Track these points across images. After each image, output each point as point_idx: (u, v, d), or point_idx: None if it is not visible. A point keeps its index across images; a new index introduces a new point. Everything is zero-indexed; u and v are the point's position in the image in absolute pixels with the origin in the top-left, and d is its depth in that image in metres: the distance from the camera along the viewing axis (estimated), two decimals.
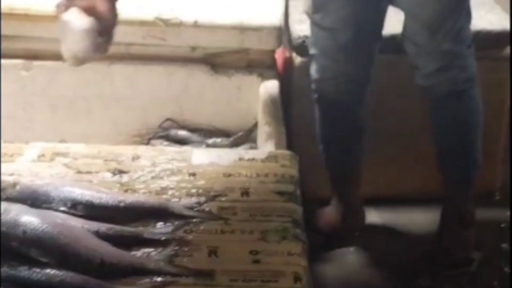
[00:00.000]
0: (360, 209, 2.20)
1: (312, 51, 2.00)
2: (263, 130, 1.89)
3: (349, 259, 2.16)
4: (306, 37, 2.20)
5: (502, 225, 2.26)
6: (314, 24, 1.97)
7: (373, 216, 2.29)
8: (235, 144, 2.07)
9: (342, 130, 2.06)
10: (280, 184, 1.49)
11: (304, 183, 2.26)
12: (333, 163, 2.12)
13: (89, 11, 1.33)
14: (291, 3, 2.35)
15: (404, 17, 1.91)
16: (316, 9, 1.93)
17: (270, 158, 1.59)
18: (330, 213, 2.22)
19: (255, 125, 2.09)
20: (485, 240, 2.18)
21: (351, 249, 2.19)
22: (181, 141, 2.10)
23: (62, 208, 1.35)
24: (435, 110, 1.99)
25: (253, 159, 1.57)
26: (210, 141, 2.09)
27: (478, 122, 2.01)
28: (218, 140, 2.09)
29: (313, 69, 2.01)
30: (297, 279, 1.25)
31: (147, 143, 2.11)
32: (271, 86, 2.09)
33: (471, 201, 2.07)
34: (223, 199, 1.43)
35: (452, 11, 1.88)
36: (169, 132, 2.15)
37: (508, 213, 2.31)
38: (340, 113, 2.04)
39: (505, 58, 2.23)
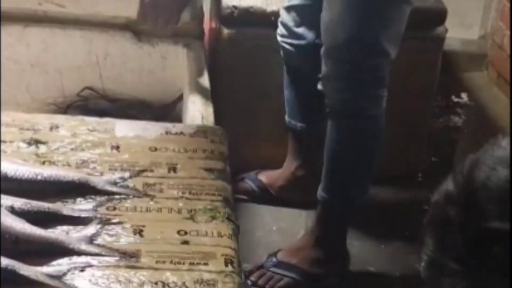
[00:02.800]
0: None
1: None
2: (189, 103, 1.80)
3: None
4: (235, 7, 2.13)
5: (425, 207, 2.25)
6: None
7: None
8: (158, 117, 1.97)
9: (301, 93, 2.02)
10: (209, 160, 1.42)
11: (230, 158, 2.25)
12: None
13: None
14: None
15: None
16: None
17: (199, 133, 1.51)
18: (280, 174, 2.18)
19: (180, 98, 2.00)
20: (408, 221, 2.17)
21: None
22: (101, 112, 1.99)
23: None
24: (329, 125, 1.84)
25: (181, 133, 1.49)
26: (132, 112, 1.98)
27: (371, 148, 1.85)
28: (140, 111, 1.99)
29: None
30: (228, 262, 1.18)
31: (64, 112, 1.99)
32: (197, 57, 2.00)
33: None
34: (149, 174, 1.35)
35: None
36: (88, 102, 2.03)
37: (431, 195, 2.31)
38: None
39: (434, 38, 2.20)
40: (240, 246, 2.07)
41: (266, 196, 2.20)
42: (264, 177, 2.22)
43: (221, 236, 1.23)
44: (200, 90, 1.86)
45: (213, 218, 1.27)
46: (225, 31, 2.16)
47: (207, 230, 1.24)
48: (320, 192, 1.85)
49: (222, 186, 1.35)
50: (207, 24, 2.18)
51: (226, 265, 1.17)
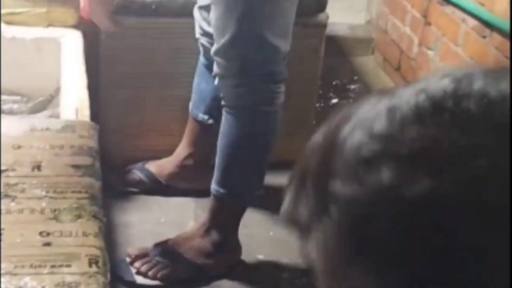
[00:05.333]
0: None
1: None
2: (64, 97, 1.75)
3: None
4: None
5: None
6: None
7: None
8: (34, 111, 1.90)
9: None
10: (77, 156, 1.37)
11: (114, 149, 2.20)
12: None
13: None
14: None
15: None
16: None
17: (67, 128, 1.46)
18: (169, 162, 2.15)
19: (58, 90, 1.94)
20: None
21: None
22: None
23: None
24: (223, 120, 1.83)
25: (47, 129, 1.43)
26: (6, 107, 1.90)
27: (264, 144, 1.83)
28: (15, 106, 1.92)
29: None
30: (92, 262, 1.14)
31: None
32: (74, 48, 1.94)
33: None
34: (11, 174, 1.29)
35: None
36: None
37: None
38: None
39: (316, 24, 2.21)
40: (128, 238, 2.06)
41: (155, 186, 2.16)
42: (152, 166, 2.19)
43: (86, 236, 1.19)
44: (76, 83, 1.81)
45: (79, 217, 1.23)
46: None
47: (72, 230, 1.20)
48: (213, 185, 1.84)
49: (89, 183, 1.31)
50: (85, 13, 2.11)
51: (91, 265, 1.14)
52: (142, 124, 2.24)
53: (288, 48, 1.78)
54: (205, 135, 2.02)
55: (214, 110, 1.98)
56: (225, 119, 1.82)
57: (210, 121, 2.02)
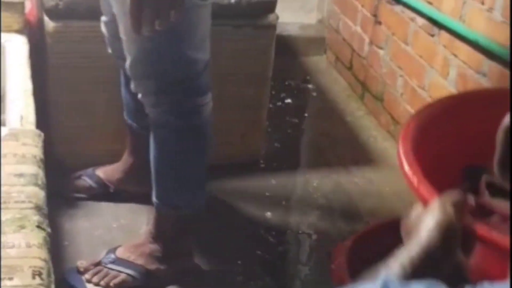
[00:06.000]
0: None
1: None
2: (8, 104, 1.70)
3: None
4: None
5: (267, 194, 2.26)
6: None
7: None
8: None
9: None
10: (20, 165, 1.34)
11: (63, 155, 2.16)
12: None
13: None
14: None
15: None
16: None
17: (10, 136, 1.42)
18: (118, 167, 2.13)
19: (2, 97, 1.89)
20: (251, 209, 2.18)
21: None
22: None
23: None
24: (151, 136, 1.77)
25: None
26: None
27: (196, 158, 1.78)
28: None
29: None
30: (36, 274, 1.11)
31: None
32: (19, 53, 1.90)
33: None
34: None
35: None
36: None
37: (273, 181, 2.32)
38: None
39: (266, 25, 2.20)
40: (79, 246, 2.02)
41: (105, 192, 2.13)
42: (102, 172, 2.15)
43: (30, 247, 1.16)
44: (21, 89, 1.77)
45: (22, 227, 1.20)
46: (50, 24, 2.06)
47: (14, 242, 1.16)
48: (152, 196, 1.82)
49: (33, 192, 1.28)
50: (31, 16, 2.08)
51: (34, 277, 1.11)
52: (91, 129, 2.21)
53: (208, 56, 1.69)
54: (142, 142, 1.93)
55: (141, 120, 1.89)
56: (152, 134, 1.75)
57: (142, 130, 1.96)
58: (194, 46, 1.63)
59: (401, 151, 1.20)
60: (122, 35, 1.64)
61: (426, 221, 0.94)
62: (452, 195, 0.98)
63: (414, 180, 1.12)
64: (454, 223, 0.93)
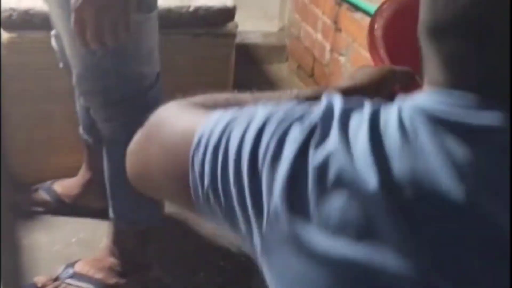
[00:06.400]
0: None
1: None
2: None
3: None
4: (13, 9, 2.00)
5: None
6: None
7: None
8: None
9: None
10: None
11: (22, 168, 2.12)
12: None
13: None
14: None
15: None
16: None
17: None
18: (75, 183, 2.10)
19: None
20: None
21: None
22: None
23: None
24: (104, 150, 1.76)
25: None
26: None
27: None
28: None
29: None
30: None
31: None
32: None
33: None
34: None
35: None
36: None
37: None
38: None
39: (226, 34, 2.19)
40: (37, 261, 1.97)
41: (62, 207, 2.09)
42: (59, 186, 2.11)
43: None
44: None
45: None
46: (4, 35, 2.02)
47: None
48: (109, 212, 1.78)
49: None
50: None
51: None
52: (50, 141, 2.17)
53: (157, 69, 1.65)
54: (98, 156, 1.87)
55: (97, 134, 1.84)
56: (104, 150, 1.73)
57: (98, 145, 1.90)
58: (140, 61, 1.59)
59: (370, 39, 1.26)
60: (67, 50, 1.60)
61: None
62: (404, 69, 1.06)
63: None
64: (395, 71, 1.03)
